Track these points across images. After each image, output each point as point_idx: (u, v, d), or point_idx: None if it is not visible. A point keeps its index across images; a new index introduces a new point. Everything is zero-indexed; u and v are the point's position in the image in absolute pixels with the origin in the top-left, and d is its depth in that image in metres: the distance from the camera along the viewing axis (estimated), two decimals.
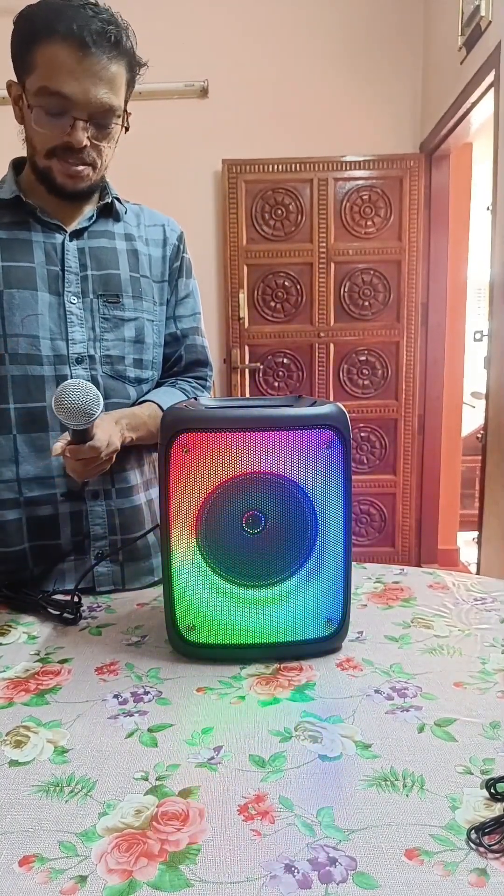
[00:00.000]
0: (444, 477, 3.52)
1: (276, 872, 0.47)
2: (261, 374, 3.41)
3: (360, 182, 3.26)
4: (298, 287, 3.33)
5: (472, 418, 4.04)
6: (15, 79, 0.94)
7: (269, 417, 0.74)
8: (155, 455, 1.14)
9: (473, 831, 0.49)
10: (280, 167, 3.24)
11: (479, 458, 2.58)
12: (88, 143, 0.94)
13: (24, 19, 0.91)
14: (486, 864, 0.47)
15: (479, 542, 2.64)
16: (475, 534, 2.74)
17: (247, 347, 3.39)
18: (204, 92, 3.29)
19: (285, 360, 3.40)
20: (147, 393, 1.13)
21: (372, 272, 3.31)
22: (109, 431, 0.94)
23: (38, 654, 0.80)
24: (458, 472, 3.63)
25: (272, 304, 3.35)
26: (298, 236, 3.30)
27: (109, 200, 1.07)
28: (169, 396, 1.13)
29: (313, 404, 0.78)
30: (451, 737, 0.62)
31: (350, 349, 3.37)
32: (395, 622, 0.87)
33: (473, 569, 3.04)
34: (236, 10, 3.25)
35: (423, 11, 3.24)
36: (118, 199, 1.09)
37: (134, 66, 0.97)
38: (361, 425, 3.39)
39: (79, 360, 1.02)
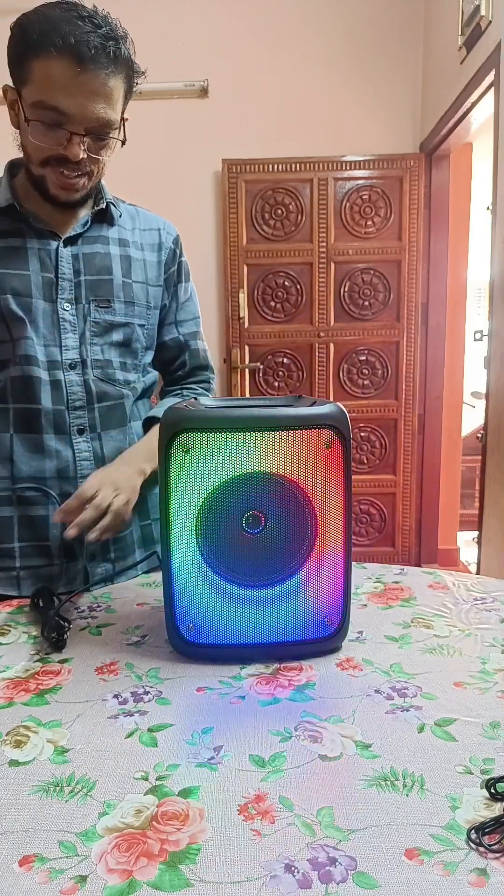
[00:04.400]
0: (444, 477, 3.52)
1: (276, 872, 0.47)
2: (261, 374, 3.41)
3: (360, 182, 3.26)
4: (298, 287, 3.33)
5: (472, 418, 4.05)
6: (11, 83, 0.93)
7: (269, 417, 0.74)
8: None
9: (473, 831, 0.49)
10: (280, 167, 3.24)
11: (479, 458, 2.58)
12: (85, 156, 0.93)
13: (21, 29, 0.88)
14: (486, 864, 0.47)
15: (479, 542, 2.64)
16: (475, 534, 2.74)
17: (247, 347, 3.39)
18: (204, 92, 3.29)
19: (285, 360, 3.40)
20: (143, 393, 1.15)
21: (372, 272, 3.31)
22: (101, 479, 0.96)
23: (38, 654, 0.80)
24: (458, 472, 3.63)
25: (272, 303, 3.35)
26: (298, 236, 3.30)
27: (104, 205, 1.07)
28: None
29: (313, 404, 0.78)
30: (451, 737, 0.62)
31: (350, 349, 3.37)
32: (395, 622, 0.87)
33: (473, 569, 3.04)
34: (236, 10, 3.25)
35: (423, 11, 3.24)
36: (113, 203, 1.09)
37: (132, 76, 0.95)
38: (361, 425, 3.39)
39: (72, 366, 1.03)
